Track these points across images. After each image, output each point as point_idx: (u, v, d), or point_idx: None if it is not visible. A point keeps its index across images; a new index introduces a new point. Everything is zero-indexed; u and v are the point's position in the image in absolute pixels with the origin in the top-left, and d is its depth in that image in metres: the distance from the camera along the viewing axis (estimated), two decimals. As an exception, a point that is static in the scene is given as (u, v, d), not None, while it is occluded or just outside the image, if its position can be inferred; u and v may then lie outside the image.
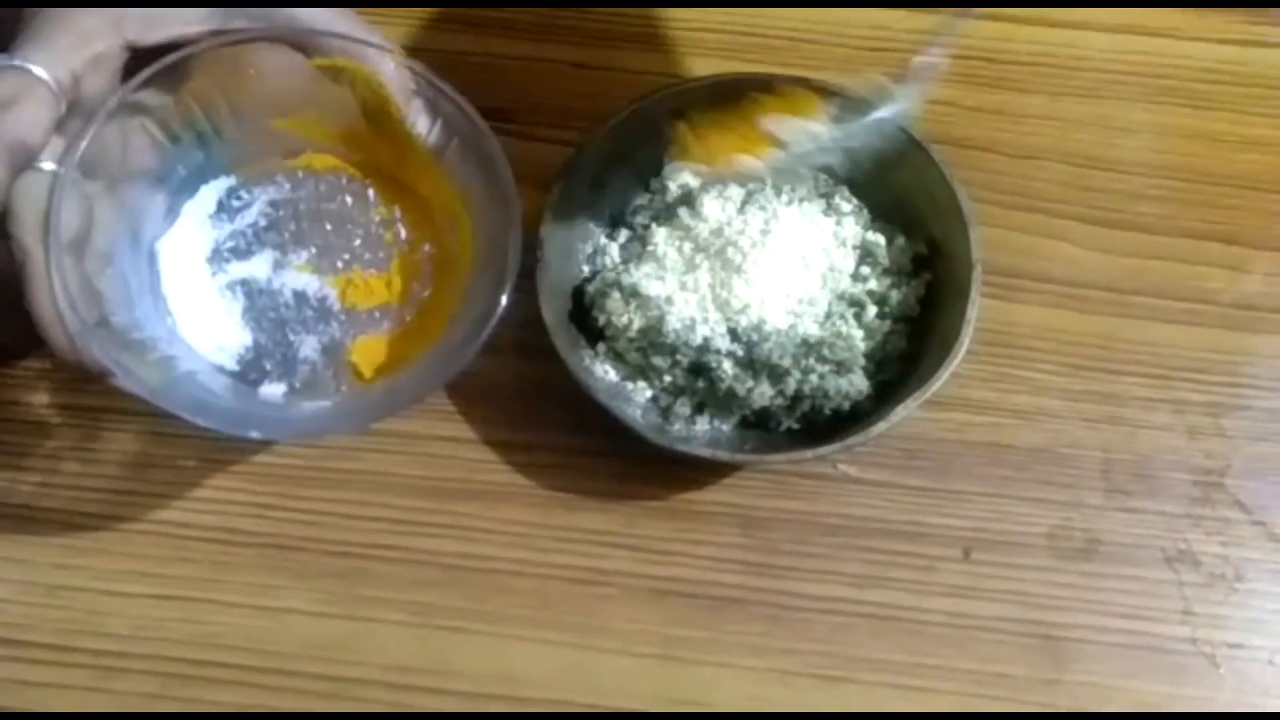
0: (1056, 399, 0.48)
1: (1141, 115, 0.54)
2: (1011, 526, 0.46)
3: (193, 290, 0.41)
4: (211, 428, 0.37)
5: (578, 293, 0.47)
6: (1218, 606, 0.45)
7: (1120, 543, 0.46)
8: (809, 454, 0.43)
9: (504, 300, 0.38)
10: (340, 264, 0.42)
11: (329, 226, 0.43)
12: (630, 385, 0.46)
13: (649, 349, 0.45)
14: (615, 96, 0.52)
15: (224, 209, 0.42)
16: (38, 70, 0.35)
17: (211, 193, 0.42)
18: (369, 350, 0.41)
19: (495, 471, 0.46)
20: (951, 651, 0.44)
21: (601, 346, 0.46)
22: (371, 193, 0.43)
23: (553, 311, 0.44)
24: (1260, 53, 0.56)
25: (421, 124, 0.41)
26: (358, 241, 0.42)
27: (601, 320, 0.46)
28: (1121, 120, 0.54)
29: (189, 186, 0.42)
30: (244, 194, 0.42)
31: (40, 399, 0.47)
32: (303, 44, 0.39)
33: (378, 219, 0.43)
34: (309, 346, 0.41)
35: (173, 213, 0.42)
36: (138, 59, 0.37)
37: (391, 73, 0.40)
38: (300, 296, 0.42)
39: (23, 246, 0.35)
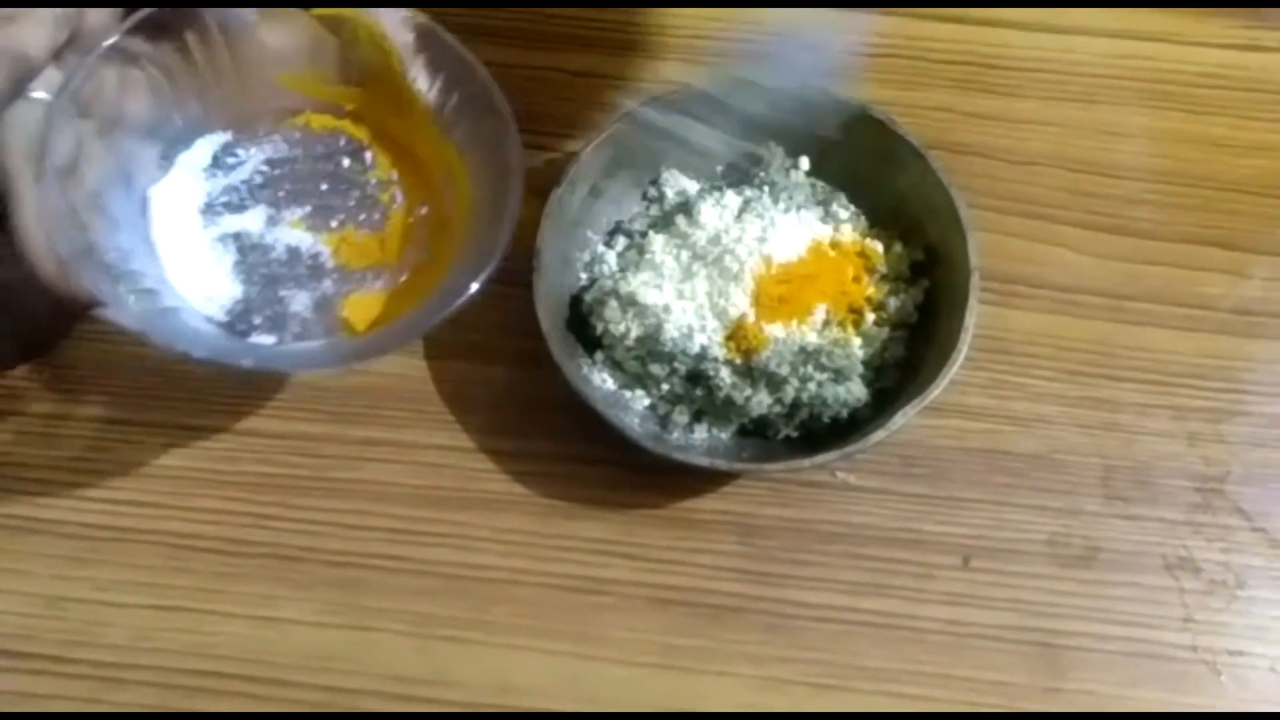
0: (1055, 405, 0.48)
1: (1139, 120, 0.54)
2: (1011, 534, 0.46)
3: (183, 239, 0.41)
4: (204, 357, 0.36)
5: (575, 301, 0.47)
6: (1218, 614, 0.45)
7: (1120, 550, 0.46)
8: (807, 462, 0.43)
9: (502, 242, 0.38)
10: (335, 223, 0.42)
11: (325, 185, 0.43)
12: (628, 393, 0.46)
13: (646, 357, 0.45)
14: (612, 104, 0.52)
15: (219, 163, 0.42)
16: None
17: (207, 146, 0.42)
18: (361, 306, 0.41)
19: (493, 480, 0.46)
20: (950, 660, 0.44)
21: (599, 355, 0.46)
22: (369, 154, 0.43)
23: (550, 320, 0.44)
24: (1258, 57, 0.56)
25: (422, 79, 0.41)
26: (353, 201, 0.42)
27: (599, 328, 0.46)
28: (1119, 125, 0.54)
29: (184, 138, 0.42)
30: (240, 150, 0.42)
31: (39, 408, 0.47)
32: None
33: (374, 180, 0.43)
34: (300, 302, 0.41)
35: (166, 162, 0.42)
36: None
37: (395, 24, 0.40)
38: (293, 252, 0.42)
39: (7, 171, 0.35)
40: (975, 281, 0.44)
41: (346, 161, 0.43)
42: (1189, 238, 0.52)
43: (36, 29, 0.34)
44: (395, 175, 0.43)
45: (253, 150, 0.42)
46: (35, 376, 0.47)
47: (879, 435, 0.42)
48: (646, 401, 0.46)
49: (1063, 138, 0.54)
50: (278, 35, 0.41)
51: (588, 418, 0.43)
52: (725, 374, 0.44)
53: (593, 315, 0.46)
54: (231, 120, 0.42)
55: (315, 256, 0.42)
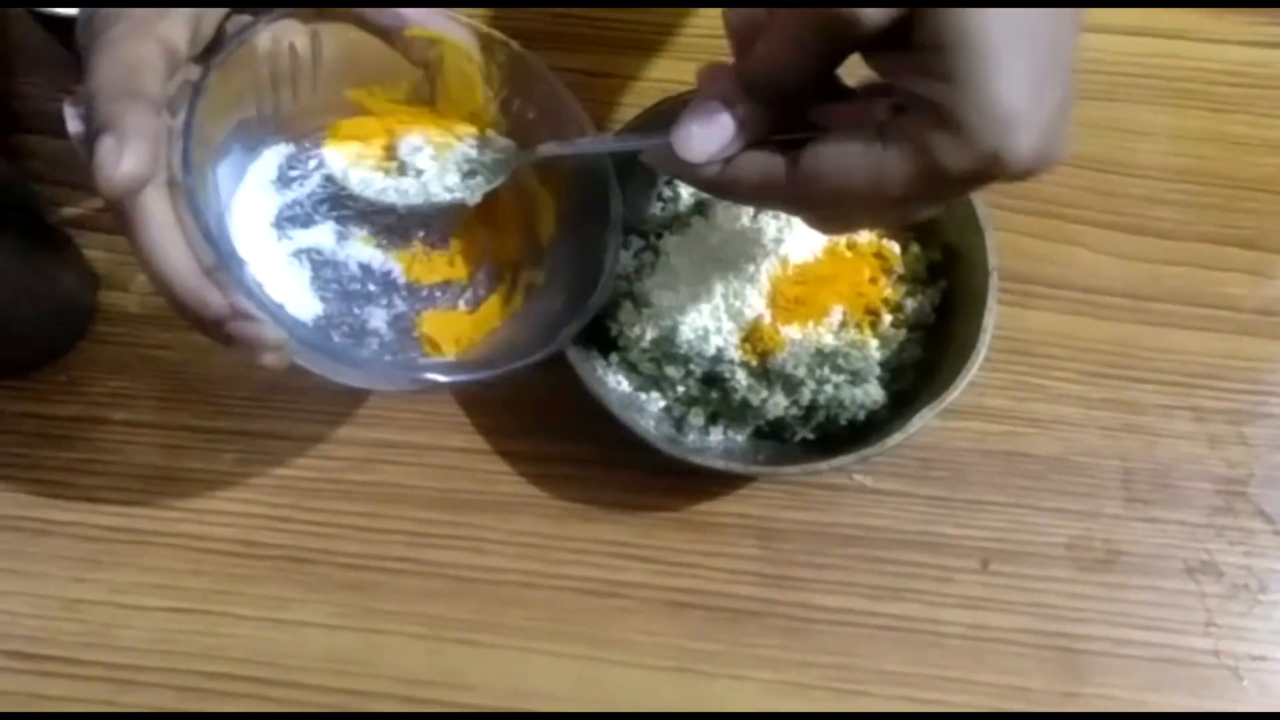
0: (1074, 407, 0.48)
1: (1159, 118, 0.54)
2: (1030, 537, 0.45)
3: (263, 253, 0.40)
4: (367, 376, 0.37)
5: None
6: (1240, 618, 0.44)
7: (1141, 553, 0.45)
8: (825, 465, 0.42)
9: (614, 255, 0.39)
10: (403, 239, 0.42)
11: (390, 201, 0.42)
12: (643, 396, 0.45)
13: (662, 359, 0.45)
14: (627, 104, 0.52)
15: (283, 176, 0.42)
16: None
17: (274, 157, 0.42)
18: (443, 324, 0.42)
19: (508, 483, 0.46)
20: (969, 664, 0.43)
21: (614, 357, 0.46)
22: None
23: (565, 322, 0.44)
24: (1278, 54, 0.55)
25: (513, 106, 0.41)
26: (418, 218, 0.42)
27: (614, 330, 0.46)
28: (1139, 123, 0.54)
29: (255, 148, 0.41)
30: (301, 162, 0.42)
31: (55, 412, 0.47)
32: (394, 16, 0.39)
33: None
34: (377, 318, 0.41)
35: (238, 173, 0.41)
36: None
37: (485, 49, 0.40)
38: (365, 268, 0.42)
39: (127, 182, 0.32)
40: (994, 283, 0.44)
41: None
42: (1210, 238, 0.51)
43: (180, 26, 0.34)
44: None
45: (312, 163, 0.42)
46: (52, 379, 0.47)
47: (897, 438, 0.42)
48: (662, 403, 0.45)
49: (1082, 136, 0.53)
50: (366, 48, 0.40)
51: (603, 420, 0.43)
52: (741, 376, 0.44)
53: (608, 317, 0.46)
54: (294, 131, 0.42)
55: (387, 273, 0.42)
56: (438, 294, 0.42)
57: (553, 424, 0.47)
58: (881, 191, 0.30)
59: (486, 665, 0.43)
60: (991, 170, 0.29)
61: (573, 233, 0.42)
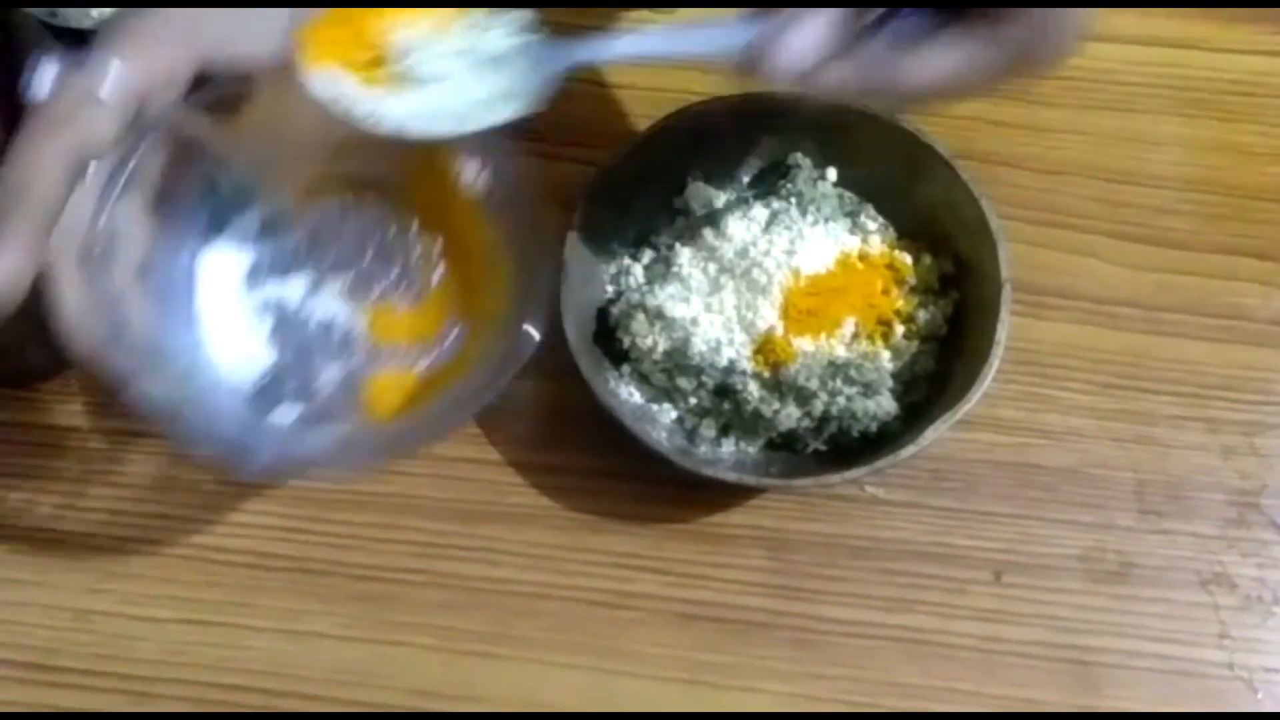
0: (1086, 418, 0.48)
1: (1170, 128, 0.54)
2: (1042, 548, 0.45)
3: (225, 306, 0.41)
4: (213, 457, 0.37)
5: (602, 314, 0.47)
6: (1255, 630, 0.44)
7: (1154, 565, 0.45)
8: (837, 478, 0.42)
9: (533, 343, 0.38)
10: (373, 296, 0.42)
11: (369, 258, 0.42)
12: (655, 407, 0.45)
13: (674, 370, 0.45)
14: (639, 115, 0.52)
15: (269, 228, 0.42)
16: (108, 83, 0.33)
17: (259, 211, 0.42)
18: (387, 386, 0.41)
19: (520, 494, 0.46)
20: (982, 676, 0.43)
21: (626, 368, 0.46)
22: (415, 230, 0.43)
23: (577, 333, 0.44)
24: (1290, 64, 0.55)
25: (469, 168, 0.40)
26: (394, 274, 0.42)
27: (626, 342, 0.46)
28: (1150, 133, 0.53)
29: (238, 204, 0.42)
30: (290, 215, 0.42)
31: (69, 421, 0.47)
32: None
33: (418, 257, 0.43)
34: (329, 374, 0.41)
35: (216, 226, 0.41)
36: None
37: None
38: (329, 323, 0.42)
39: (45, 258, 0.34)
40: (1007, 294, 0.44)
41: (391, 234, 0.43)
42: (1223, 248, 0.51)
43: (100, 126, 0.33)
44: (439, 252, 0.43)
45: (302, 216, 0.42)
46: (65, 388, 0.48)
47: (910, 450, 0.42)
48: (674, 415, 0.45)
49: (1093, 146, 0.53)
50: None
51: (614, 431, 0.43)
52: (753, 387, 0.44)
53: (620, 328, 0.46)
54: (283, 185, 0.42)
55: (350, 330, 0.42)
56: (397, 354, 0.42)
57: (564, 435, 0.47)
58: (969, 86, 0.35)
59: (498, 676, 0.43)
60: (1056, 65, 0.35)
61: (521, 307, 0.40)
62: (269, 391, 0.41)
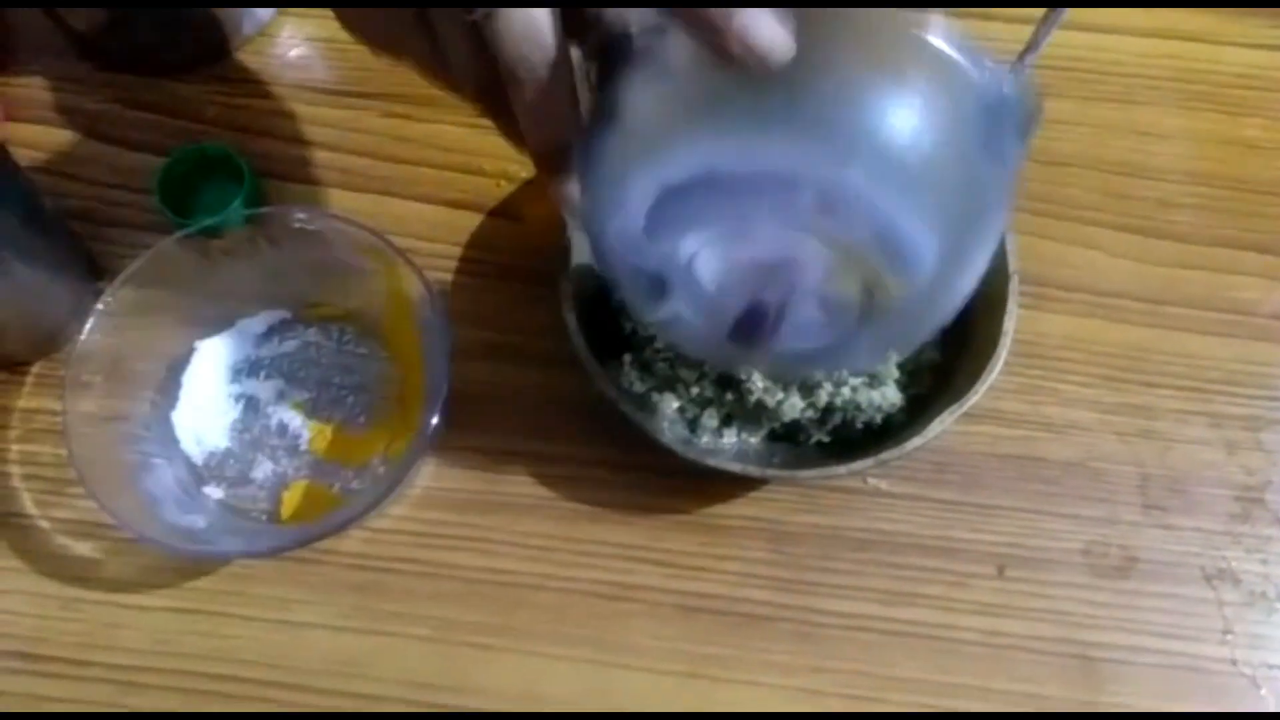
0: (1090, 411, 0.47)
1: (1174, 121, 0.53)
2: (1046, 542, 0.45)
3: (206, 388, 0.46)
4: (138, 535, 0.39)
5: (603, 302, 0.46)
6: (1258, 626, 0.44)
7: (1158, 560, 0.45)
8: (842, 470, 0.42)
9: (410, 472, 0.41)
10: (326, 414, 0.46)
11: (337, 378, 0.46)
12: (657, 397, 0.45)
13: (676, 360, 0.44)
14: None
15: (273, 334, 0.47)
16: None
17: (267, 318, 0.47)
18: (296, 495, 0.44)
19: (518, 484, 0.45)
20: (984, 671, 0.43)
21: (628, 357, 0.45)
22: (385, 359, 0.47)
23: (578, 321, 0.43)
24: (1293, 58, 0.55)
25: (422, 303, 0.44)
26: (350, 399, 0.46)
27: (627, 330, 0.45)
28: (1154, 126, 0.53)
29: (250, 308, 0.47)
30: (297, 327, 0.47)
31: (52, 405, 0.46)
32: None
33: (376, 377, 0.47)
34: (263, 470, 0.45)
35: (225, 321, 0.46)
36: None
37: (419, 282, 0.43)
38: (282, 427, 0.46)
39: None
40: (1014, 286, 0.43)
41: (362, 360, 0.47)
42: (1226, 241, 0.51)
43: None
44: (401, 382, 0.46)
45: (307, 331, 0.47)
46: (48, 375, 0.47)
47: (915, 442, 0.41)
48: (676, 405, 0.45)
49: (1096, 139, 0.53)
50: (330, 242, 0.44)
51: (616, 421, 0.42)
52: (757, 378, 0.43)
53: (621, 317, 0.45)
54: (294, 301, 0.47)
55: (297, 438, 0.45)
56: (326, 470, 0.45)
57: (564, 425, 0.46)
58: None
59: (495, 669, 0.43)
60: None
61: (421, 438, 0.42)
62: (210, 469, 0.45)
